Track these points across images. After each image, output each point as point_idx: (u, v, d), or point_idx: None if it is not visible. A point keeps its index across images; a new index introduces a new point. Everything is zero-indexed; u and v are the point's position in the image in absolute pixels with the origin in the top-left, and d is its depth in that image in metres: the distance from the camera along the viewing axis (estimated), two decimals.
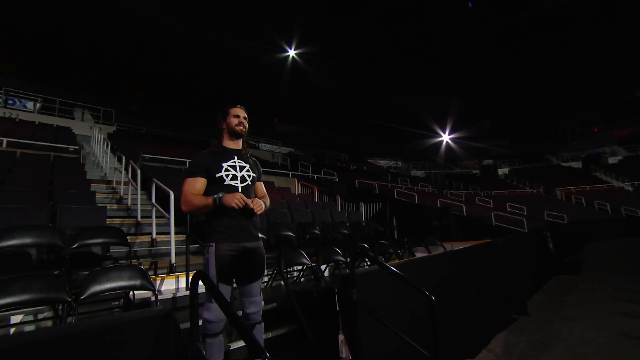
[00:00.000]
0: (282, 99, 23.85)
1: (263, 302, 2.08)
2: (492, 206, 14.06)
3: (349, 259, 4.24)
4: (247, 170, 2.06)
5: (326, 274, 5.09)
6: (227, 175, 1.96)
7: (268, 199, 2.17)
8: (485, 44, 17.05)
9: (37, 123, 13.29)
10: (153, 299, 2.35)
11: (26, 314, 2.62)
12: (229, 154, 2.05)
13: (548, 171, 28.25)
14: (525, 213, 12.29)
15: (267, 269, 4.19)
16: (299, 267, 4.11)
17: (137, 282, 2.15)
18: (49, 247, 2.86)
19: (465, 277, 3.40)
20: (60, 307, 2.21)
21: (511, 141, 30.76)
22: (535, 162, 30.45)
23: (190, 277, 2.77)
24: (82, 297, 1.97)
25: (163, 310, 1.35)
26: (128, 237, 4.29)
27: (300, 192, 11.35)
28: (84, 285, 2.01)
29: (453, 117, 25.17)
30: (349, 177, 16.63)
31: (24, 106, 16.10)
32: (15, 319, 2.61)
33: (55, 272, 2.36)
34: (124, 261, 3.46)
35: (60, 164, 6.68)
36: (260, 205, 1.91)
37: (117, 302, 2.80)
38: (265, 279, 4.17)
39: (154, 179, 4.65)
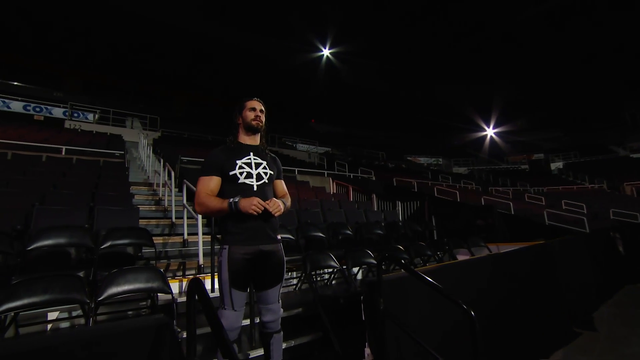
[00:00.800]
0: (318, 99, 23.89)
1: (282, 310, 1.93)
2: (544, 203, 12.81)
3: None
4: (264, 168, 1.92)
5: (359, 276, 4.87)
6: (241, 173, 1.83)
7: (289, 199, 2.03)
8: (532, 27, 15.63)
9: (94, 132, 14.50)
10: (176, 300, 2.29)
11: (62, 311, 2.73)
12: (245, 150, 1.92)
13: (613, 164, 25.21)
14: (585, 211, 11.00)
15: (296, 271, 4.13)
16: (330, 270, 3.94)
17: (155, 285, 2.11)
18: (83, 247, 2.95)
19: (514, 284, 2.99)
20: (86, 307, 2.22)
21: (566, 133, 28.00)
22: (595, 154, 27.37)
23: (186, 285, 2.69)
24: (99, 299, 1.95)
25: (159, 320, 1.23)
26: (162, 238, 4.44)
27: (335, 192, 11.18)
28: (102, 287, 2.00)
29: (498, 110, 23.48)
30: (386, 176, 16.12)
31: (86, 118, 17.85)
32: (52, 315, 2.73)
33: (80, 273, 2.39)
34: (153, 262, 3.52)
35: (107, 168, 7.13)
36: (278, 206, 1.75)
37: (144, 303, 2.82)
38: (294, 281, 4.04)
39: (185, 180, 4.73)
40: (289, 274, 4.06)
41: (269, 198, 1.83)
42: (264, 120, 1.99)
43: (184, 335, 1.85)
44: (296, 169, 12.58)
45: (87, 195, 4.46)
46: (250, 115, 1.93)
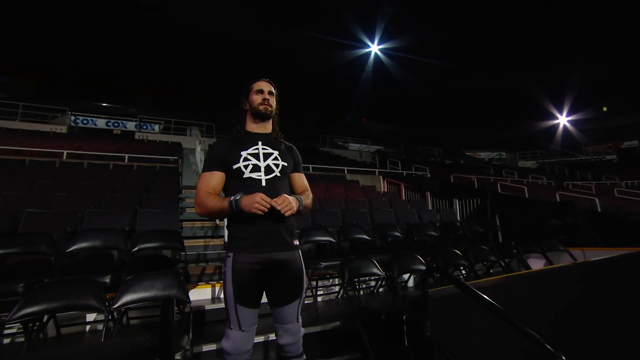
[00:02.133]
0: (370, 98, 23.35)
1: (303, 330, 1.61)
2: None
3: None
4: (275, 159, 1.63)
5: (410, 283, 4.38)
6: (246, 167, 1.56)
7: (310, 195, 1.72)
8: None
9: (157, 141, 15.82)
10: (187, 309, 2.12)
11: (99, 313, 2.75)
12: (252, 140, 1.65)
13: None
14: None
15: (338, 277, 3.79)
16: (374, 278, 3.53)
17: (171, 292, 1.95)
18: (118, 250, 2.97)
19: (617, 303, 2.30)
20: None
21: None
22: None
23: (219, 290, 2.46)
24: (114, 306, 1.84)
25: (135, 346, 1.00)
26: (203, 240, 4.44)
27: (386, 190, 10.65)
28: (118, 294, 1.88)
29: (573, 94, 20.54)
30: (443, 173, 14.98)
31: (152, 129, 19.71)
32: (90, 317, 2.75)
33: (106, 277, 2.34)
34: (193, 264, 3.45)
35: (162, 173, 7.54)
36: (288, 204, 1.43)
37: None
38: (335, 288, 3.71)
39: None
40: (330, 280, 3.74)
41: (281, 194, 1.52)
42: (274, 104, 1.70)
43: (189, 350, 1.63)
44: (345, 168, 12.29)
45: (136, 199, 4.64)
46: (257, 99, 1.66)
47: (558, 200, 8.56)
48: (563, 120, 23.76)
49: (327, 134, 21.59)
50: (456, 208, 7.41)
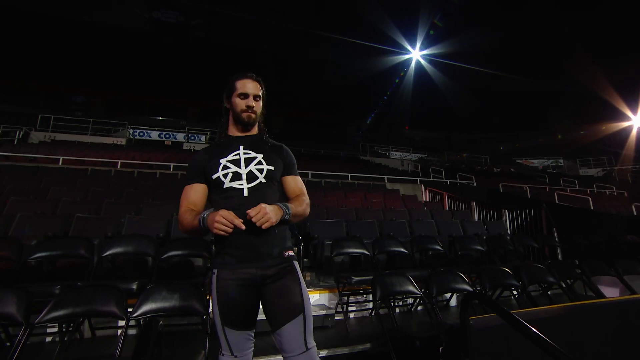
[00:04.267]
0: (412, 104, 22.74)
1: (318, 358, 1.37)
2: None
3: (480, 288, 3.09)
4: (259, 163, 1.44)
5: (453, 302, 4.00)
6: (225, 175, 1.40)
7: (304, 200, 1.50)
8: None
9: None
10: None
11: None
12: (233, 145, 1.48)
13: None
14: None
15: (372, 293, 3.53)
16: (410, 296, 3.24)
17: (188, 304, 1.87)
18: (149, 256, 3.02)
19: None
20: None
21: None
22: None
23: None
24: (133, 316, 1.80)
25: None
26: None
27: (427, 200, 10.13)
28: (138, 302, 1.85)
29: None
30: (490, 182, 13.96)
31: (200, 139, 20.96)
32: (122, 322, 2.80)
33: (133, 284, 2.35)
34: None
35: None
36: (264, 215, 1.23)
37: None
38: (370, 305, 3.46)
39: None
40: (364, 295, 3.50)
41: (269, 203, 1.35)
42: (259, 110, 1.52)
43: None
44: (385, 177, 11.93)
45: (174, 206, 4.79)
46: (240, 104, 1.48)
47: (635, 213, 7.48)
48: (638, 121, 20.99)
49: (368, 142, 21.40)
50: (506, 220, 6.77)
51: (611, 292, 3.73)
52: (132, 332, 2.74)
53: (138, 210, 4.49)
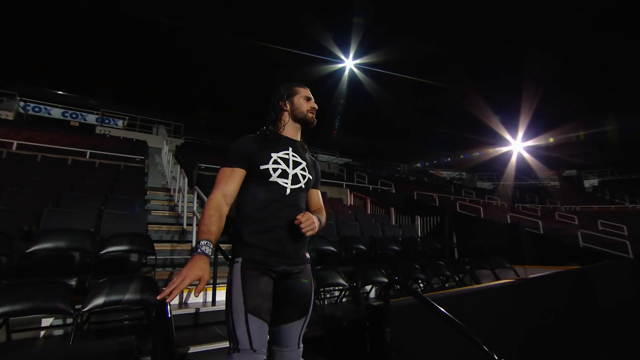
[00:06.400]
0: (341, 110, 23.88)
1: None
2: (577, 223, 11.93)
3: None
4: (303, 169, 1.52)
5: (372, 294, 4.59)
6: (274, 170, 1.43)
7: (324, 214, 1.60)
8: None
9: (121, 138, 15.07)
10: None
11: (56, 317, 2.65)
12: (282, 143, 1.53)
13: None
14: (626, 233, 10.12)
15: None
16: (339, 288, 3.70)
17: (145, 296, 1.96)
18: (85, 251, 2.89)
19: (546, 316, 2.64)
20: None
21: (601, 148, 26.40)
22: (637, 172, 25.64)
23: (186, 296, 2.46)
24: (84, 310, 1.83)
25: (123, 345, 1.07)
26: (170, 244, 4.37)
27: (352, 204, 10.94)
28: (88, 297, 1.87)
29: (526, 123, 22.55)
30: (407, 189, 15.69)
31: (115, 124, 18.77)
32: (46, 322, 2.64)
33: (73, 280, 2.29)
34: (159, 269, 3.41)
35: (127, 172, 7.25)
36: (311, 224, 1.32)
37: (141, 314, 2.70)
38: None
39: (196, 187, 4.67)
40: None
41: (301, 207, 1.47)
42: None
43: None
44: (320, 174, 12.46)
45: (100, 199, 4.47)
46: (306, 104, 1.57)
47: (509, 221, 9.32)
48: (517, 146, 25.79)
49: (307, 138, 21.90)
50: (417, 225, 7.83)
51: (487, 281, 4.76)
52: (58, 332, 2.61)
53: (56, 202, 4.08)
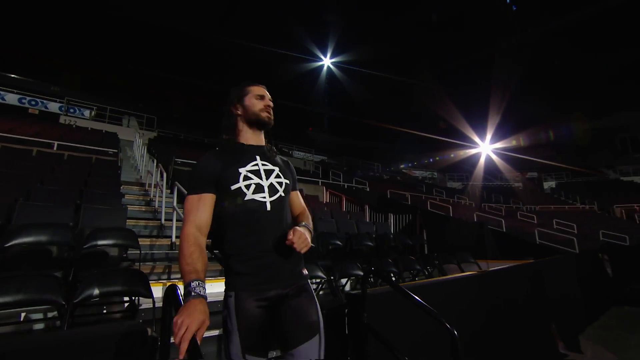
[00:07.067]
0: (317, 108, 24.07)
1: None
2: (536, 222, 12.91)
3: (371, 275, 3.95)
4: (277, 176, 1.39)
5: (347, 287, 4.82)
6: (247, 187, 1.30)
7: (309, 215, 1.52)
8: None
9: (89, 129, 14.38)
10: (150, 306, 2.22)
11: (36, 312, 2.65)
12: (248, 154, 1.39)
13: (604, 186, 25.68)
14: (575, 231, 11.10)
15: None
16: (317, 280, 3.89)
17: (135, 288, 2.05)
18: (66, 246, 2.88)
19: (502, 303, 2.98)
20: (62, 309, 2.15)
21: (558, 152, 28.46)
22: (586, 175, 27.86)
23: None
24: (75, 301, 1.89)
25: (132, 327, 1.19)
26: (149, 239, 4.37)
27: (328, 201, 11.16)
28: (79, 289, 1.93)
29: (494, 126, 23.89)
30: (381, 187, 16.18)
31: (82, 114, 17.72)
32: (25, 316, 2.64)
33: (58, 273, 2.32)
34: (138, 264, 3.44)
35: (99, 166, 7.04)
36: (304, 240, 1.24)
37: (126, 306, 2.75)
38: None
39: (176, 183, 4.68)
40: None
41: (286, 219, 1.36)
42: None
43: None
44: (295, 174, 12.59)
45: (74, 193, 4.38)
46: (258, 104, 1.43)
47: (475, 220, 9.94)
48: (485, 148, 27.19)
49: (272, 139, 21.81)
50: (390, 222, 8.18)
51: (452, 274, 5.15)
52: (39, 325, 2.62)
53: (27, 195, 3.96)
